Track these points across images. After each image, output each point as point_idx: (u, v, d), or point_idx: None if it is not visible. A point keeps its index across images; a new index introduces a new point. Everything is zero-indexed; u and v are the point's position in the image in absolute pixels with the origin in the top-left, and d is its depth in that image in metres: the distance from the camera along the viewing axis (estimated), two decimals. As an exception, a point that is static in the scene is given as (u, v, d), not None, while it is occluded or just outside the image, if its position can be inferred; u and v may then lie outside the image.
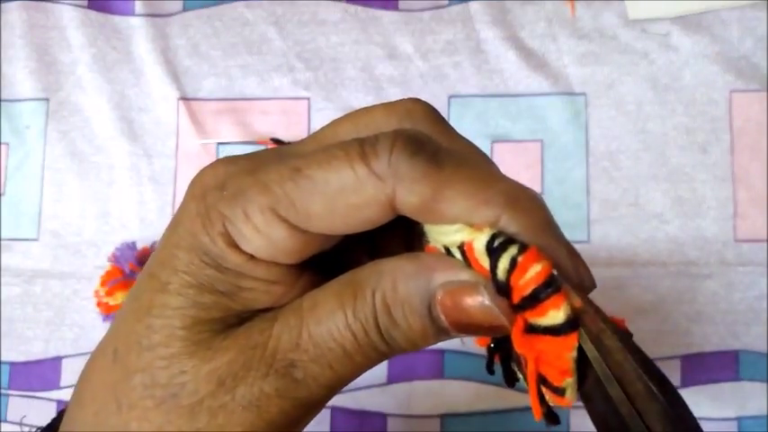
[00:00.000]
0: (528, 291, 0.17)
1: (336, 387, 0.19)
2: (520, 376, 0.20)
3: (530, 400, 0.18)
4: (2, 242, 0.58)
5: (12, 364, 0.56)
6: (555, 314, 0.17)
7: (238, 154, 0.20)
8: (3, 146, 0.59)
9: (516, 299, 0.17)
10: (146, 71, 0.58)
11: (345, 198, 0.17)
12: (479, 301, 0.17)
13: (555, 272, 0.17)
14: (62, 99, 0.59)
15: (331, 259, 0.20)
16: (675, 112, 0.53)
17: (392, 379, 0.52)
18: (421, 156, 0.17)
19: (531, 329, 0.18)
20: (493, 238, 0.17)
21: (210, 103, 0.57)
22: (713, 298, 0.51)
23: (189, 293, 0.18)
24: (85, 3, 0.60)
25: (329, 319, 0.18)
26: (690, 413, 0.17)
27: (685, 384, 0.50)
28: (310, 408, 0.19)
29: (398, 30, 0.57)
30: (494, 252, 0.17)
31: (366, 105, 0.20)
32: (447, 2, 0.57)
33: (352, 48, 0.57)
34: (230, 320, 0.19)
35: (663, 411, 0.16)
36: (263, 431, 0.18)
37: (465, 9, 0.56)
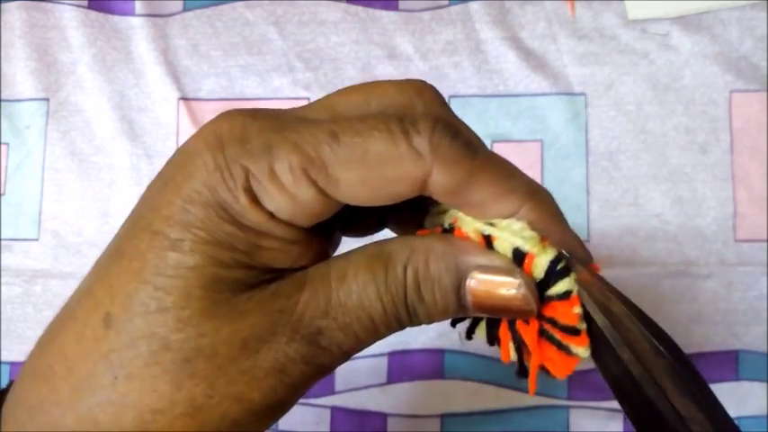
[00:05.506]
0: (568, 323, 0.19)
1: (354, 354, 0.19)
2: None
3: (529, 383, 0.20)
4: (2, 242, 0.58)
5: (12, 364, 0.56)
6: (577, 348, 0.19)
7: (251, 108, 0.19)
8: (3, 146, 0.59)
9: (548, 314, 0.19)
10: (146, 71, 0.58)
11: (382, 170, 0.18)
12: (516, 289, 0.18)
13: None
14: (62, 99, 0.59)
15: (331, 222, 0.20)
16: (675, 112, 0.53)
17: (392, 379, 0.52)
18: (460, 140, 0.18)
19: (545, 333, 0.19)
20: (557, 259, 0.19)
21: (210, 104, 0.57)
22: (713, 298, 0.51)
23: (206, 251, 0.17)
24: (85, 3, 0.60)
25: (361, 290, 0.18)
26: (694, 368, 0.18)
27: (685, 384, 0.50)
28: (327, 373, 0.19)
29: (398, 30, 0.56)
30: (555, 275, 0.19)
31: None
32: (447, 2, 0.57)
33: (352, 48, 0.57)
34: (250, 281, 0.18)
35: (670, 367, 0.18)
36: (283, 395, 0.18)
37: (465, 9, 0.56)
